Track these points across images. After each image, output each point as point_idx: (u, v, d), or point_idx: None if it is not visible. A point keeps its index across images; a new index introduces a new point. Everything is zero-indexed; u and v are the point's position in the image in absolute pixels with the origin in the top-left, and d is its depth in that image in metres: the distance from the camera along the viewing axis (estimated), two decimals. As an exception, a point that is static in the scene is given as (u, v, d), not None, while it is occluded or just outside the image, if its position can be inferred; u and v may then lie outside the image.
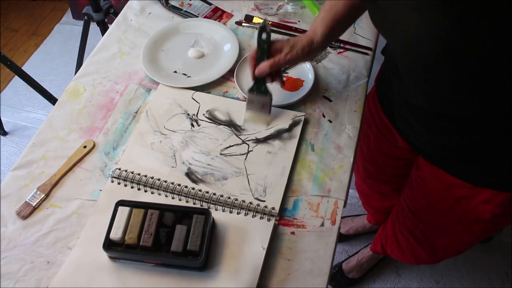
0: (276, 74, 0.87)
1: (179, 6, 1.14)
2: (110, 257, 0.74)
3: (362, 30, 1.07)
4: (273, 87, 0.96)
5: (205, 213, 0.73)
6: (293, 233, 0.78)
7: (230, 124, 0.91)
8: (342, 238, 1.63)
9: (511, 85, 0.59)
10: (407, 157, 1.03)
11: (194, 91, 0.96)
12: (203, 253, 0.70)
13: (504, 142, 0.72)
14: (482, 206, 0.84)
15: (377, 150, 1.11)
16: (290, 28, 1.07)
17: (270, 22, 1.08)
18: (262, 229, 0.77)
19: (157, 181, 0.83)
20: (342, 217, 0.81)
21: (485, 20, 0.54)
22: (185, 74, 1.00)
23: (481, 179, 0.81)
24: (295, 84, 0.97)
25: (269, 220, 0.78)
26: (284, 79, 0.95)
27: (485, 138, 0.73)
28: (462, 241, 1.01)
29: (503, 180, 0.79)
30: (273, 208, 0.79)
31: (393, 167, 1.13)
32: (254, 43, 1.05)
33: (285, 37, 1.06)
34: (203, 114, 0.93)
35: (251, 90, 0.88)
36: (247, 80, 0.98)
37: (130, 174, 0.83)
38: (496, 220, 0.86)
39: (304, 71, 0.99)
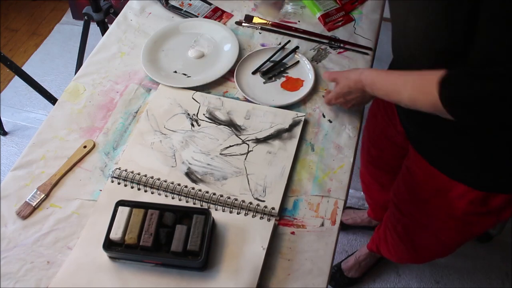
0: None
1: (179, 6, 1.14)
2: (110, 257, 0.74)
3: (362, 30, 1.07)
4: (273, 88, 0.97)
5: (205, 213, 0.73)
6: (293, 233, 0.78)
7: (230, 124, 0.91)
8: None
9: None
10: (403, 145, 1.04)
11: (194, 91, 0.96)
12: (203, 253, 0.70)
13: (478, 136, 0.73)
14: (455, 201, 0.85)
15: (380, 131, 1.12)
16: (290, 28, 1.07)
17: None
18: (262, 229, 0.77)
19: (157, 181, 0.83)
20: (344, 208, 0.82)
21: (484, 23, 0.55)
22: (185, 74, 1.00)
23: (456, 172, 0.82)
24: (295, 84, 0.97)
25: (269, 220, 0.78)
26: (284, 79, 0.96)
27: (461, 127, 0.74)
28: (439, 239, 1.03)
29: (476, 177, 0.80)
30: (273, 208, 0.79)
31: (392, 155, 1.14)
32: (254, 43, 1.05)
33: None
34: (203, 114, 0.93)
35: None
36: (247, 80, 0.98)
37: (130, 174, 0.83)
38: (467, 219, 0.88)
39: (304, 71, 0.99)
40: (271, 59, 1.01)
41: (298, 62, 1.01)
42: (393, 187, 1.09)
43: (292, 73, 0.99)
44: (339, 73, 0.87)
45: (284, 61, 1.01)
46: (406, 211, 1.04)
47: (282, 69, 1.00)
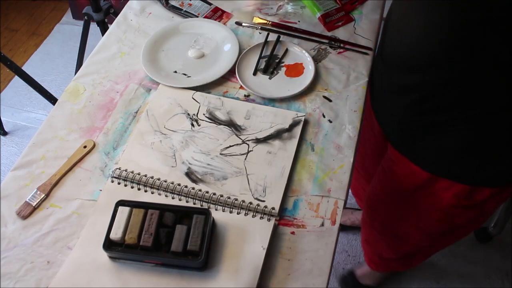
0: None
1: (179, 6, 1.14)
2: (110, 257, 0.74)
3: (362, 30, 1.07)
4: (280, 80, 0.97)
5: (205, 213, 0.73)
6: (293, 233, 0.78)
7: (230, 124, 0.91)
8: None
9: (479, 76, 0.60)
10: (381, 147, 1.04)
11: (194, 91, 0.96)
12: (203, 253, 0.70)
13: (463, 134, 0.74)
14: (440, 193, 0.86)
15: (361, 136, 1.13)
16: (290, 28, 1.07)
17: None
18: (262, 229, 0.77)
19: (157, 181, 0.83)
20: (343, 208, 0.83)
21: (485, 23, 0.55)
22: (185, 74, 1.00)
23: (440, 169, 0.83)
24: (297, 69, 0.99)
25: (269, 220, 0.78)
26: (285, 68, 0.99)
27: (445, 120, 0.75)
28: (419, 228, 1.03)
29: (460, 172, 0.81)
30: (273, 208, 0.79)
31: (372, 159, 1.14)
32: (254, 43, 1.05)
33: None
34: (203, 114, 0.93)
35: None
36: (249, 76, 0.98)
37: (130, 174, 0.84)
38: (451, 211, 0.88)
39: (297, 55, 1.02)
40: (262, 56, 1.02)
41: (287, 49, 1.03)
42: (367, 193, 1.09)
43: (288, 60, 1.01)
44: None
45: (274, 53, 1.02)
46: (382, 210, 1.05)
47: (277, 61, 1.01)
